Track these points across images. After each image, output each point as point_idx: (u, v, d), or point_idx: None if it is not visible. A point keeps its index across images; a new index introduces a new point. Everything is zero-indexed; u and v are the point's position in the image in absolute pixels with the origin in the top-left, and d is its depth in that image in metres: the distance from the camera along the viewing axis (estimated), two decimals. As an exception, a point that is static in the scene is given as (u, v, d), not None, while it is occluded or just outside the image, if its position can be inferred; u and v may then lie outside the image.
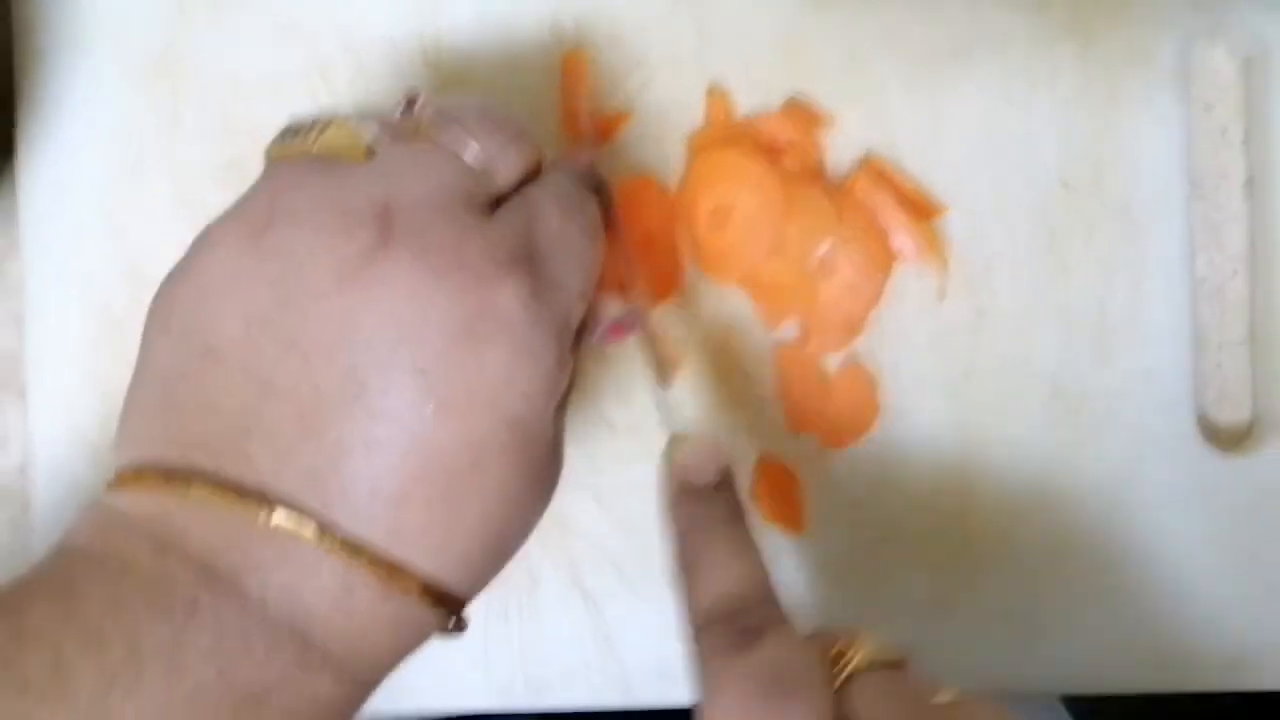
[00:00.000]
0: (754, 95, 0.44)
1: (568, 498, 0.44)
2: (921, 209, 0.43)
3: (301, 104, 0.44)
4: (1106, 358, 0.44)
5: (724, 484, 0.36)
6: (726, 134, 0.44)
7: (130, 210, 0.44)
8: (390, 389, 0.29)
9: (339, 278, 0.29)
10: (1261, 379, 0.46)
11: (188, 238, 0.42)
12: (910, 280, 0.44)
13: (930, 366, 0.44)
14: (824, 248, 0.42)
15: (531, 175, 0.34)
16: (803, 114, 0.44)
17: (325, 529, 0.28)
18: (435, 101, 0.34)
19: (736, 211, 0.43)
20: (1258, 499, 0.44)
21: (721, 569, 0.34)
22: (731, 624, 0.32)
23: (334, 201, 0.30)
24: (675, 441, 0.37)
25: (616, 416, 0.44)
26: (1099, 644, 0.44)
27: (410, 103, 0.34)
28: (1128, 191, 0.44)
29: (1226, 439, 0.46)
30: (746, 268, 0.43)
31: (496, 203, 0.33)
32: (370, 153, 0.33)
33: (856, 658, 0.31)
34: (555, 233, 0.32)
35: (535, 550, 0.44)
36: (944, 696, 0.32)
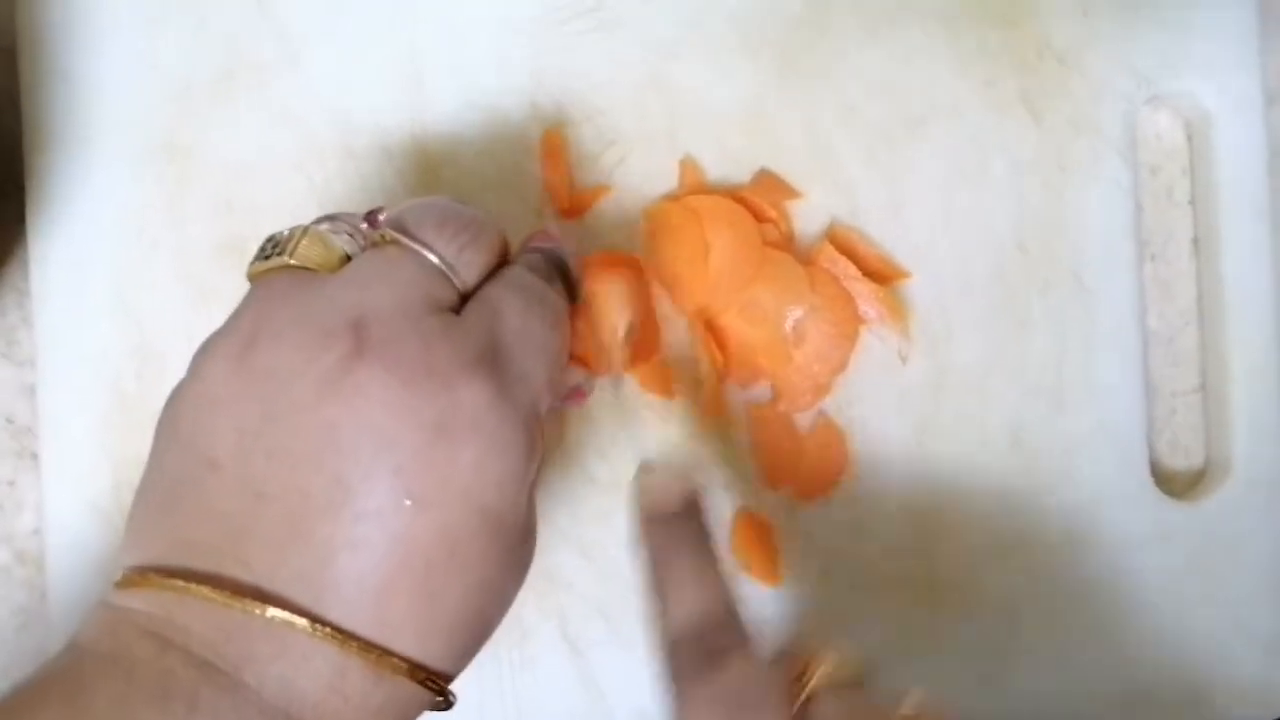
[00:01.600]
0: (724, 168, 0.46)
1: (554, 552, 0.46)
2: (884, 275, 0.46)
3: (297, 185, 0.46)
4: (1063, 411, 0.46)
5: (690, 510, 0.38)
6: (700, 190, 0.46)
7: (137, 287, 0.46)
8: (372, 492, 0.31)
9: (319, 390, 0.31)
10: (1213, 426, 0.48)
11: (192, 315, 0.45)
12: (875, 341, 0.46)
13: (896, 423, 0.46)
14: (796, 315, 0.45)
15: (499, 264, 0.36)
16: (773, 185, 0.46)
17: (317, 622, 0.30)
18: (400, 207, 0.36)
19: (715, 249, 0.45)
20: (1212, 542, 0.47)
21: (688, 593, 0.36)
22: (698, 646, 0.35)
23: (310, 317, 0.32)
24: (643, 470, 0.39)
25: (599, 472, 0.46)
26: (1063, 685, 0.46)
27: (372, 218, 0.35)
28: (1080, 252, 0.47)
29: (1180, 485, 0.48)
30: (724, 305, 0.45)
31: (464, 299, 0.35)
32: (344, 260, 0.35)
33: (815, 677, 0.34)
34: (518, 328, 0.34)
35: (526, 605, 0.46)
36: (905, 711, 0.34)
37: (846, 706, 0.34)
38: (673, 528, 0.37)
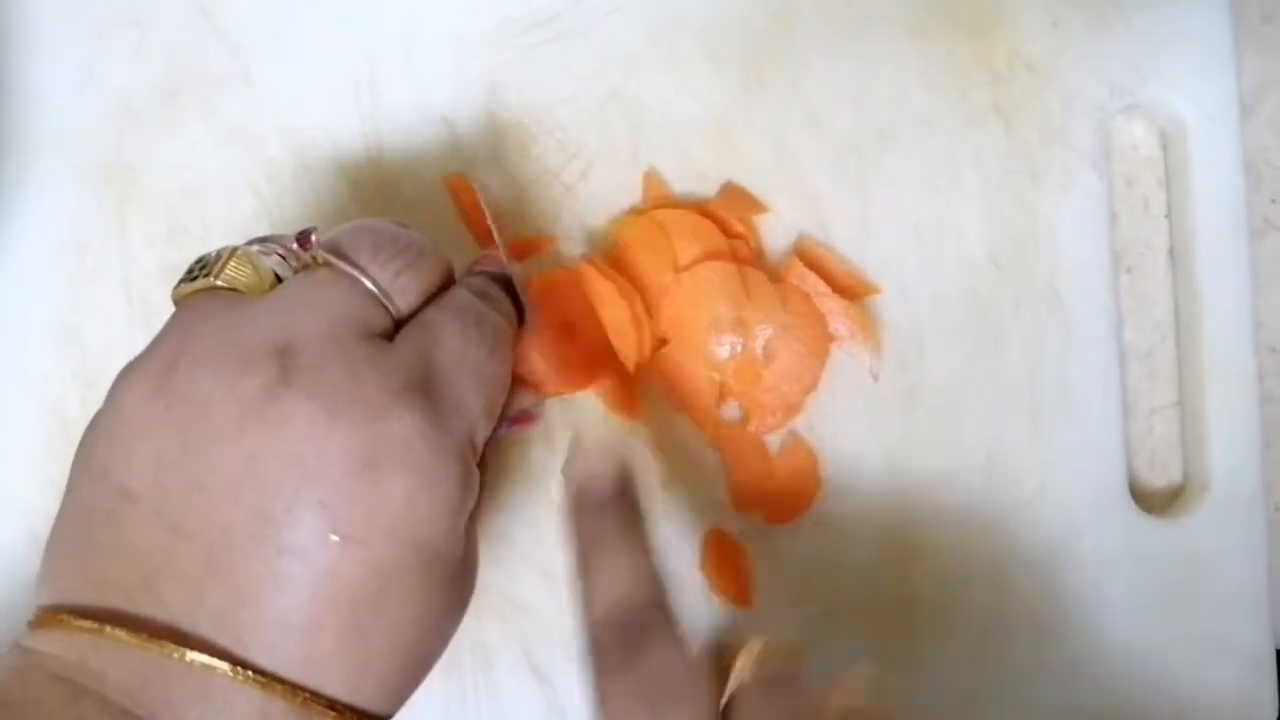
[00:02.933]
0: (689, 182, 0.45)
1: (517, 576, 0.45)
2: (854, 291, 0.45)
3: (247, 204, 0.45)
4: (1039, 428, 0.45)
5: (621, 495, 0.36)
6: (665, 205, 0.45)
7: (81, 312, 0.45)
8: (294, 525, 0.29)
9: (240, 419, 0.30)
10: (1191, 442, 0.47)
11: (138, 340, 0.43)
12: (845, 359, 0.45)
13: (868, 442, 0.45)
14: (766, 334, 0.43)
15: (441, 288, 0.35)
16: (740, 199, 0.45)
17: (238, 664, 0.29)
18: (337, 229, 0.34)
19: (691, 260, 0.43)
20: (1190, 559, 0.46)
21: (613, 579, 0.34)
22: (620, 635, 0.33)
23: (233, 342, 0.31)
24: (573, 453, 0.38)
25: (562, 496, 0.45)
26: (1041, 708, 0.45)
27: (303, 239, 0.34)
28: (1054, 266, 0.46)
29: (1158, 502, 0.47)
30: (693, 321, 0.43)
31: (400, 325, 0.33)
32: (276, 283, 0.33)
33: (744, 668, 0.33)
34: (454, 354, 0.33)
35: (490, 630, 0.45)
36: (836, 705, 0.33)
37: (775, 697, 0.33)
38: (602, 513, 0.36)
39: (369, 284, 0.33)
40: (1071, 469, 0.45)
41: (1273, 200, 0.49)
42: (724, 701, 0.33)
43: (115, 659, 0.29)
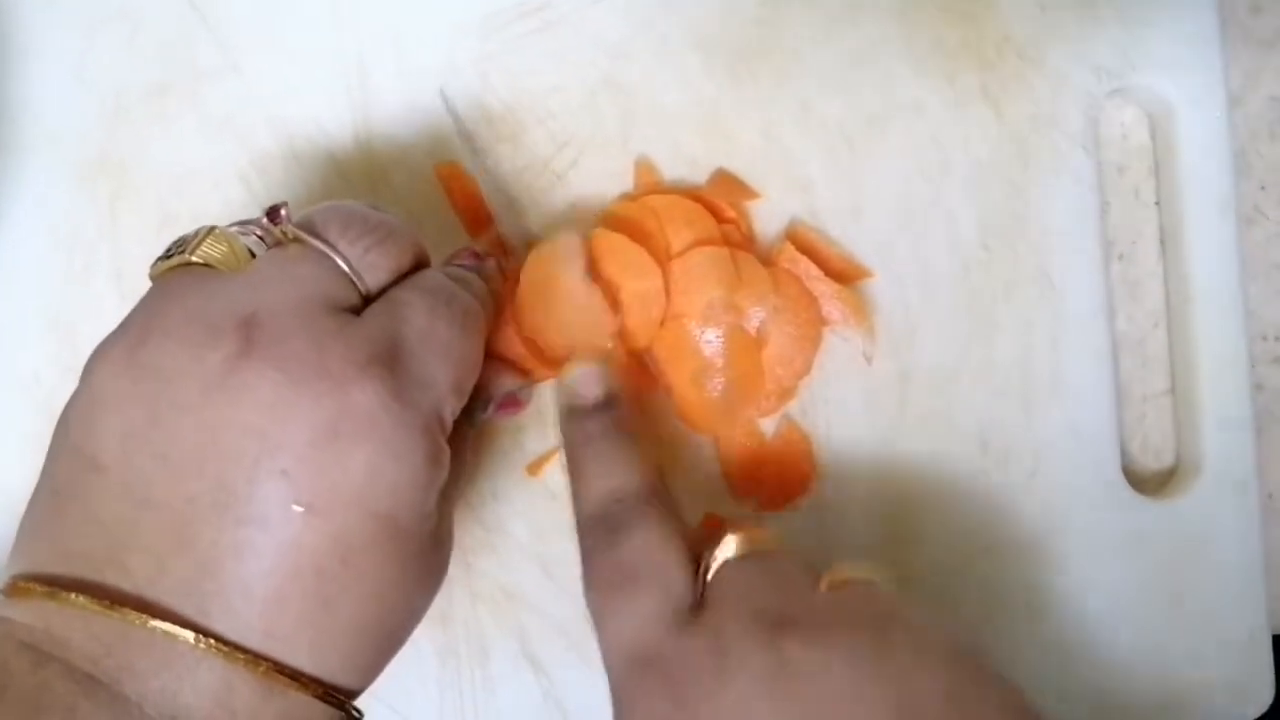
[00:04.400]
0: (680, 169, 0.45)
1: (514, 568, 0.45)
2: (846, 274, 0.45)
3: (237, 195, 0.45)
4: (1032, 412, 0.45)
5: (607, 403, 0.39)
6: (656, 192, 0.45)
7: (74, 307, 0.45)
8: (256, 495, 0.29)
9: (204, 389, 0.30)
10: (1184, 425, 0.47)
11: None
12: (838, 343, 0.45)
13: (862, 425, 0.45)
14: (758, 317, 0.43)
15: (411, 270, 0.35)
16: (731, 185, 0.45)
17: (201, 633, 0.29)
18: (311, 208, 0.35)
19: (684, 246, 0.43)
20: (1185, 541, 0.46)
21: (600, 476, 0.37)
22: (602, 523, 0.36)
23: (201, 314, 0.31)
24: (567, 369, 0.40)
25: (560, 487, 0.45)
26: (1037, 688, 0.44)
27: (273, 214, 0.34)
28: (1044, 250, 0.46)
29: (1152, 485, 0.47)
30: (705, 303, 0.43)
31: (370, 302, 0.34)
32: (251, 260, 0.34)
33: (726, 547, 0.35)
34: (421, 330, 0.33)
35: (486, 623, 0.45)
36: (827, 582, 0.35)
37: (748, 578, 0.34)
38: (590, 419, 0.39)
39: (337, 259, 0.33)
40: (1065, 452, 0.45)
41: (1262, 188, 0.49)
42: (710, 576, 0.34)
43: (80, 626, 0.29)
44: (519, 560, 0.45)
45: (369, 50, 0.45)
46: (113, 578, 0.29)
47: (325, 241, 0.33)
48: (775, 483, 0.45)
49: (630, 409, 0.40)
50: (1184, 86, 0.46)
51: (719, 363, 0.43)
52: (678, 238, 0.43)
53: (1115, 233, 0.48)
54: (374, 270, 0.34)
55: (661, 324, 0.43)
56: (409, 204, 0.45)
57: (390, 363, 0.31)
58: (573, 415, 0.39)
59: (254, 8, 0.45)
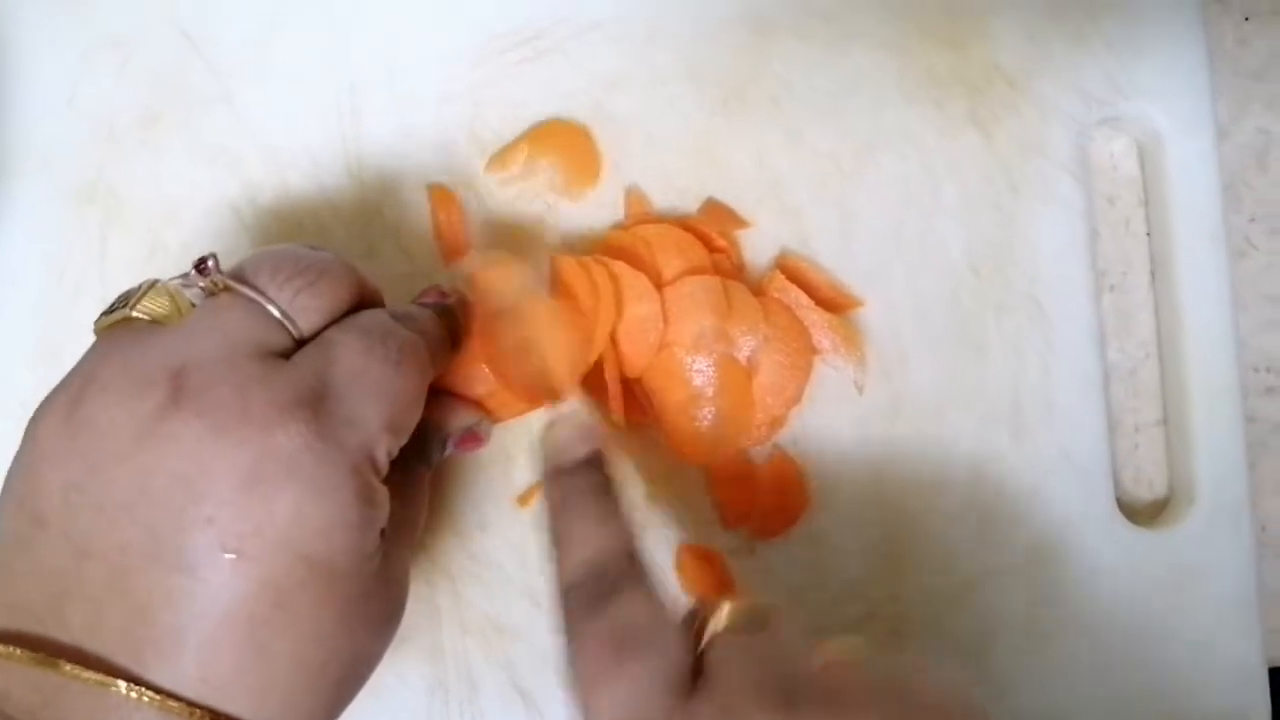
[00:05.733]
0: (670, 198, 0.46)
1: (503, 600, 0.44)
2: (837, 303, 0.45)
3: (228, 223, 0.45)
4: (1024, 441, 0.45)
5: (593, 462, 0.37)
6: (647, 221, 0.45)
7: (63, 333, 0.45)
8: (184, 543, 0.30)
9: (136, 440, 0.30)
10: (1177, 456, 0.47)
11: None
12: (829, 372, 0.45)
13: (854, 455, 0.45)
14: (749, 346, 0.43)
15: (354, 309, 0.35)
16: (721, 214, 0.45)
17: (135, 683, 0.29)
18: (245, 256, 0.35)
19: (675, 275, 0.43)
20: (1178, 571, 0.45)
21: (586, 538, 0.35)
22: (590, 589, 0.33)
23: (134, 368, 0.31)
24: (550, 423, 0.38)
25: (546, 517, 0.44)
26: (1030, 718, 0.45)
27: (200, 265, 0.34)
28: (1034, 277, 0.46)
29: (1145, 514, 0.47)
30: (696, 332, 0.43)
31: (305, 344, 0.34)
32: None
33: (718, 619, 0.33)
34: (351, 368, 0.33)
35: (475, 655, 0.44)
36: (821, 658, 0.33)
37: (747, 647, 0.32)
38: (572, 479, 0.36)
39: (267, 305, 0.33)
40: (1058, 480, 0.45)
41: (1252, 220, 0.50)
42: (699, 650, 0.33)
43: (19, 679, 0.29)
44: (508, 592, 0.44)
45: (361, 79, 0.45)
46: (52, 629, 0.30)
47: (254, 288, 0.33)
48: (767, 512, 0.44)
49: (615, 468, 0.38)
50: (1173, 116, 0.47)
51: (709, 392, 0.43)
52: (669, 266, 0.43)
53: (1107, 263, 0.48)
54: (306, 312, 0.34)
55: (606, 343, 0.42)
56: (399, 234, 0.45)
57: (315, 404, 0.31)
58: (557, 474, 0.37)
59: (246, 37, 0.46)
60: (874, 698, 0.31)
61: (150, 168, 0.45)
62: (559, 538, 0.36)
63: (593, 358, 0.42)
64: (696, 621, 0.33)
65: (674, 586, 0.44)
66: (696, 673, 0.32)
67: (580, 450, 0.37)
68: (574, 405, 0.42)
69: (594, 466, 0.37)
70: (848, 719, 0.30)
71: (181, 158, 0.45)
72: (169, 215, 0.45)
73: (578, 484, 0.36)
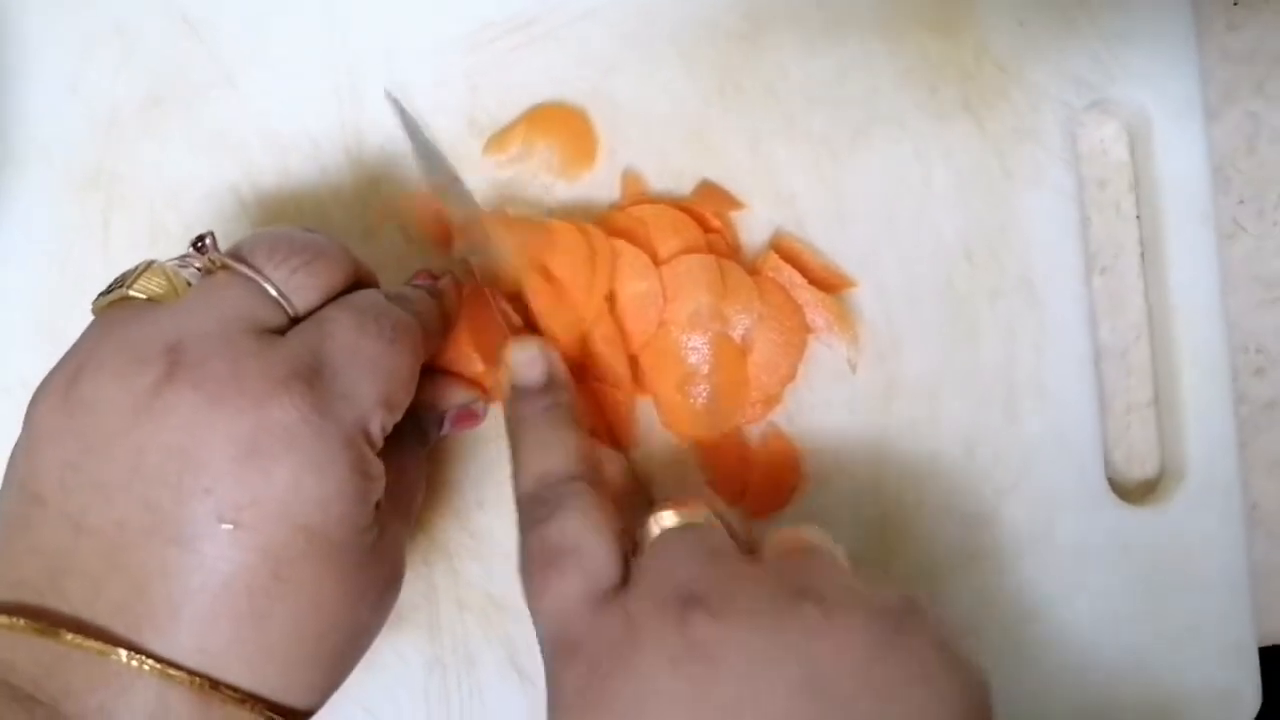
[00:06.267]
0: (666, 181, 0.46)
1: (501, 576, 0.45)
2: (831, 284, 0.45)
3: (230, 208, 0.45)
4: (1016, 420, 0.46)
5: (550, 385, 0.39)
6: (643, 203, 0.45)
7: (66, 319, 0.45)
8: (182, 515, 0.30)
9: (132, 415, 0.31)
10: (1168, 436, 0.48)
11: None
12: (823, 351, 0.45)
13: (847, 434, 0.45)
14: (744, 324, 0.44)
15: (348, 289, 0.36)
16: (716, 195, 0.46)
17: (134, 651, 0.30)
18: (242, 237, 0.36)
19: (670, 254, 0.44)
20: (1169, 548, 0.46)
21: (538, 456, 0.37)
22: (537, 501, 0.36)
23: (130, 345, 0.32)
24: (512, 348, 0.40)
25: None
26: (1021, 695, 0.45)
27: (199, 244, 0.35)
28: (1027, 260, 0.46)
29: (1135, 493, 0.47)
30: (692, 310, 0.43)
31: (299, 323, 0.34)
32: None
33: (656, 522, 0.35)
34: (346, 345, 0.33)
35: (474, 632, 0.45)
36: (767, 553, 0.34)
37: (683, 547, 0.34)
38: (528, 400, 0.39)
39: (263, 283, 0.34)
40: (1050, 460, 0.46)
41: (1240, 202, 0.50)
42: (645, 547, 0.34)
43: (22, 649, 0.30)
44: (506, 569, 0.44)
45: (360, 64, 0.46)
46: (53, 602, 0.30)
47: (251, 266, 0.34)
48: (761, 490, 0.45)
49: (574, 392, 0.40)
50: (1162, 100, 0.47)
51: (705, 370, 0.43)
52: (664, 246, 0.43)
53: (1098, 246, 0.49)
54: (302, 291, 0.34)
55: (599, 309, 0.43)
56: (399, 216, 0.45)
57: (310, 378, 0.32)
58: (515, 396, 0.39)
59: (247, 22, 0.46)
60: (769, 598, 0.32)
61: (152, 152, 0.46)
62: (515, 454, 0.38)
63: (585, 324, 0.42)
64: (636, 534, 0.35)
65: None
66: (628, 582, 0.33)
67: (534, 374, 0.39)
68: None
69: (550, 389, 0.39)
70: (733, 620, 0.31)
71: (183, 142, 0.46)
72: (171, 199, 0.45)
73: (533, 405, 0.38)
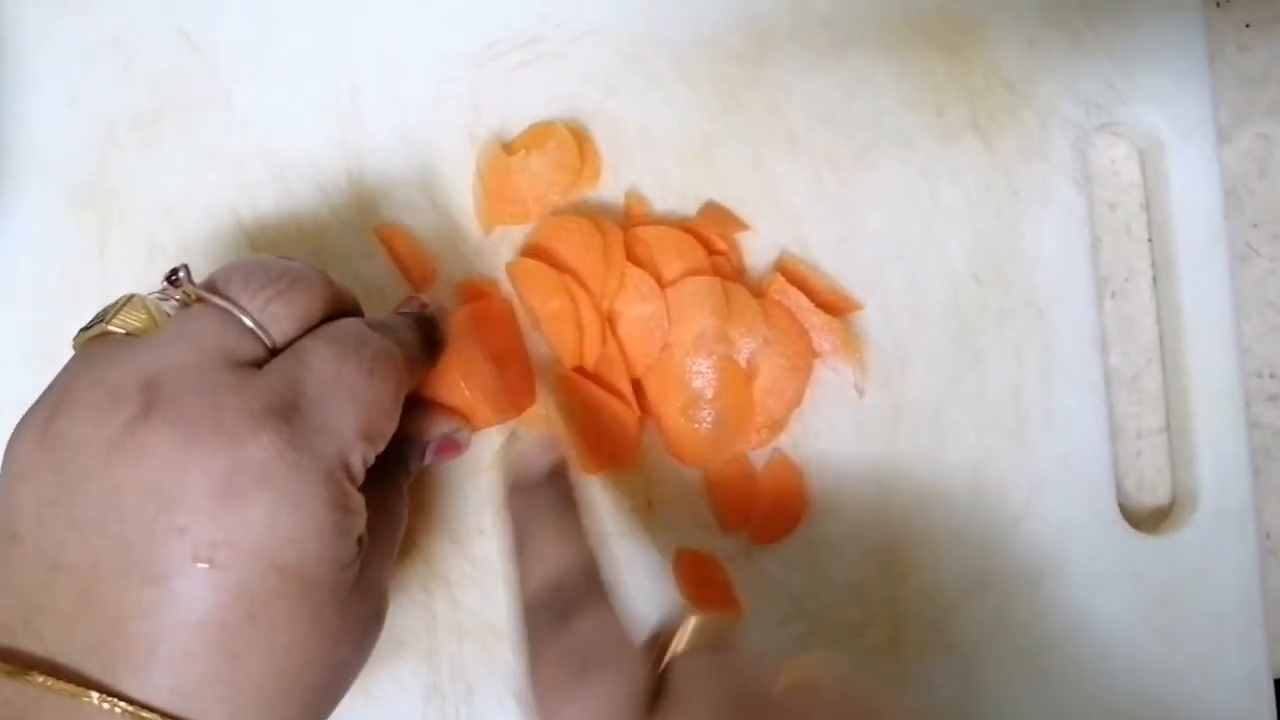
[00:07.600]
0: (669, 202, 0.45)
1: (501, 604, 0.44)
2: (837, 306, 0.45)
3: (227, 225, 0.45)
4: (1025, 446, 0.45)
5: (555, 477, 0.36)
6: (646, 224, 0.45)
7: (62, 334, 0.44)
8: (156, 554, 0.30)
9: (107, 453, 0.30)
10: (1180, 463, 0.47)
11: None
12: (830, 375, 0.45)
13: (854, 458, 0.45)
14: (749, 348, 0.43)
15: (329, 317, 0.35)
16: (721, 217, 0.45)
17: (107, 694, 0.29)
18: (222, 266, 0.35)
19: (675, 276, 0.43)
20: (1180, 576, 0.45)
21: (546, 556, 0.34)
22: (550, 606, 0.33)
23: (106, 381, 0.31)
24: (511, 439, 0.38)
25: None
26: (1032, 728, 0.44)
27: (172, 278, 0.34)
28: (1035, 282, 0.46)
29: (1147, 521, 0.47)
30: (696, 334, 0.43)
31: (279, 353, 0.33)
32: None
33: (680, 638, 0.33)
34: (324, 376, 0.32)
35: (472, 660, 0.44)
36: (783, 681, 0.32)
37: (709, 669, 0.32)
38: (534, 495, 0.36)
39: (239, 314, 0.33)
40: (1059, 486, 0.45)
41: (1254, 225, 0.49)
42: (661, 669, 0.32)
43: None
44: (505, 596, 0.44)
45: (360, 82, 0.45)
46: (26, 642, 0.30)
47: (226, 298, 0.33)
48: (766, 516, 0.44)
49: (576, 481, 0.37)
50: (1173, 121, 0.47)
51: (709, 394, 0.43)
52: (668, 268, 0.43)
53: (1108, 269, 0.48)
54: (278, 321, 0.33)
55: (598, 344, 0.43)
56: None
57: (287, 412, 0.31)
58: (517, 490, 0.36)
59: (246, 38, 0.46)
60: None
61: (150, 169, 0.45)
62: (520, 555, 0.35)
63: (598, 330, 0.42)
64: (659, 641, 0.33)
65: (671, 590, 0.44)
66: (657, 693, 0.31)
67: (542, 463, 0.36)
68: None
69: (555, 480, 0.36)
70: None
71: (181, 158, 0.45)
72: (168, 216, 0.45)
73: (539, 499, 0.36)
